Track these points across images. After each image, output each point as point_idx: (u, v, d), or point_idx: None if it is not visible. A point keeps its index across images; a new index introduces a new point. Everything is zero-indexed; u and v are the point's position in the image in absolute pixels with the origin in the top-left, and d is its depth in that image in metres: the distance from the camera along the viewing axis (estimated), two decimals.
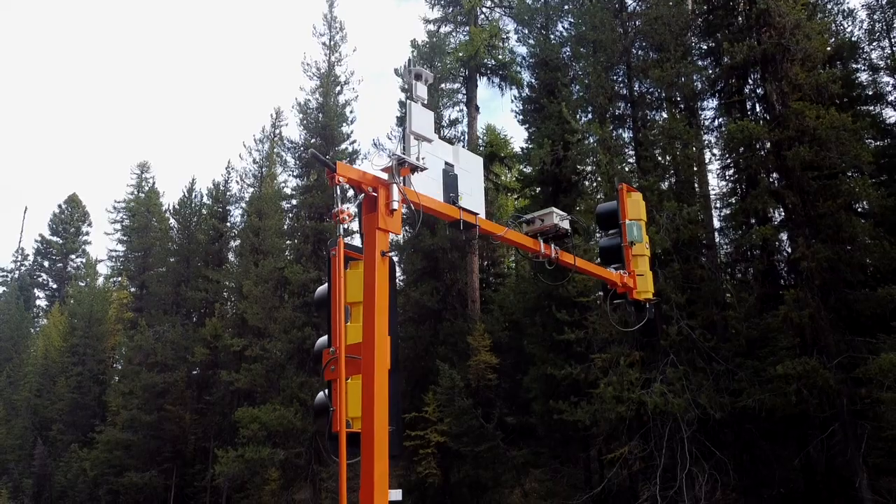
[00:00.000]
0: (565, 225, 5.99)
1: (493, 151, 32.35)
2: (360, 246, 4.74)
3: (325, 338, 4.75)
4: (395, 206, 4.62)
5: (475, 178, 5.39)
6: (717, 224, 19.97)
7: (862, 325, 15.31)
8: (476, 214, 5.35)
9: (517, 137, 44.71)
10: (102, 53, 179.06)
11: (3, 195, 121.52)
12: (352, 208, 4.57)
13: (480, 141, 32.61)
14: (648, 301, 6.86)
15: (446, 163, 5.23)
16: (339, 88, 29.35)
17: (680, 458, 15.23)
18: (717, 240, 19.50)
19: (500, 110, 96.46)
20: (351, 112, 33.27)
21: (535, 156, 18.48)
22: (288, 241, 29.25)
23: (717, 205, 19.93)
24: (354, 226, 4.88)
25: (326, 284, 4.83)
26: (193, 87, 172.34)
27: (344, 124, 28.98)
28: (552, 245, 6.12)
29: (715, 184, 20.56)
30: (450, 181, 5.15)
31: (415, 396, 23.69)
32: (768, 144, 16.10)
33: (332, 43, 30.42)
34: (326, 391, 4.58)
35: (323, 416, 4.65)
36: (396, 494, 4.33)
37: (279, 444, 23.55)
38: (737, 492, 18.81)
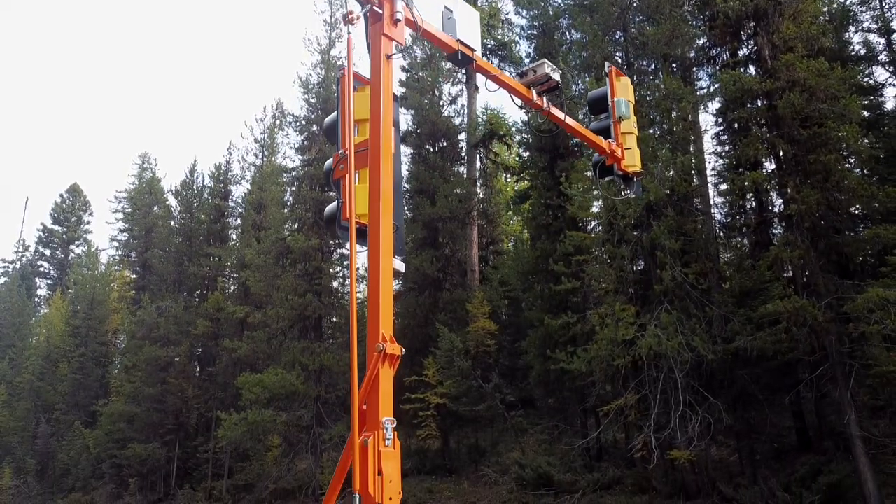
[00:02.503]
0: (556, 77, 6.34)
1: (492, 129, 32.73)
2: (367, 77, 5.12)
3: (331, 161, 5.15)
4: (399, 16, 4.99)
5: (473, 29, 5.74)
6: (711, 187, 20.46)
7: (851, 272, 15.74)
8: (474, 50, 5.71)
9: (516, 119, 44.89)
10: (102, 42, 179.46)
11: (5, 188, 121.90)
12: (359, 12, 4.93)
13: (480, 119, 32.99)
14: (636, 174, 7.22)
15: (446, 7, 5.61)
16: (339, 64, 29.74)
17: (674, 403, 15.60)
18: (711, 200, 19.92)
19: (499, 94, 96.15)
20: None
21: (533, 113, 18.85)
22: (290, 217, 29.60)
23: (713, 177, 20.46)
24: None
25: (335, 113, 5.22)
26: (194, 71, 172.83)
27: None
28: (544, 98, 6.48)
29: (710, 145, 20.94)
30: (449, 24, 5.52)
31: (415, 362, 24.10)
32: (759, 103, 16.52)
33: (333, 20, 30.80)
34: (337, 196, 4.95)
35: (332, 223, 5.02)
36: (400, 265, 4.70)
37: (282, 407, 23.93)
38: (729, 447, 19.23)
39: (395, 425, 4.24)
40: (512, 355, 26.06)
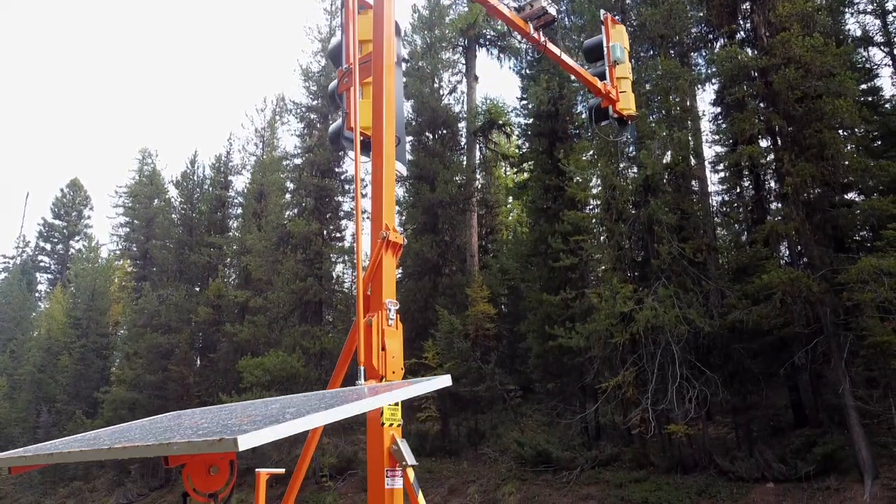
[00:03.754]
0: (552, 11, 6.50)
1: (491, 119, 32.99)
2: (369, 2, 5.30)
3: (335, 82, 5.34)
4: None
5: None
6: (708, 169, 20.68)
7: (845, 247, 15.95)
8: None
9: (516, 106, 45.12)
10: (101, 36, 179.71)
11: (5, 184, 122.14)
12: None
13: (479, 109, 33.23)
14: (631, 117, 7.40)
15: None
16: None
17: (671, 377, 15.78)
18: (708, 184, 20.14)
19: (499, 83, 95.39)
20: None
21: (532, 93, 19.05)
22: (290, 204, 29.81)
23: (712, 161, 20.68)
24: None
25: (339, 36, 5.40)
26: (194, 63, 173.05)
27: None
28: (541, 32, 6.64)
29: (708, 127, 21.13)
30: None
31: (415, 346, 24.29)
32: (755, 81, 16.73)
33: (333, 8, 31.02)
34: (341, 108, 5.13)
35: (337, 137, 5.21)
36: (402, 167, 4.88)
37: (282, 390, 24.10)
38: (727, 426, 19.41)
39: (397, 307, 4.44)
40: (511, 343, 26.26)
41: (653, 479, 16.98)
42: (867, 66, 19.78)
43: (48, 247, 70.26)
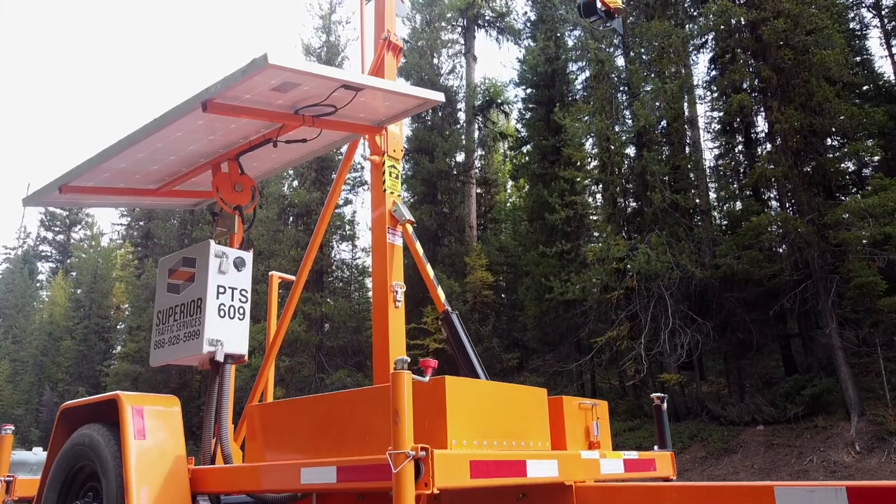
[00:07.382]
0: None
1: (490, 98, 33.39)
2: None
3: None
4: None
5: None
6: (702, 132, 21.10)
7: (832, 195, 16.38)
8: None
9: (514, 79, 45.45)
10: (99, 24, 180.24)
11: (5, 177, 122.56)
12: None
13: (478, 89, 33.61)
14: (618, 11, 7.82)
15: None
16: (340, 28, 30.41)
17: (664, 324, 16.19)
18: (702, 145, 20.56)
19: (498, 67, 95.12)
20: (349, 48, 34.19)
21: (529, 54, 19.46)
22: (293, 171, 30.19)
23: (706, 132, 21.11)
24: None
25: None
26: (194, 43, 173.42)
27: (346, 62, 30.26)
28: None
29: (703, 95, 21.53)
30: None
31: (414, 312, 24.68)
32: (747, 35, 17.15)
33: None
34: None
35: None
36: None
37: (285, 354, 24.52)
38: (719, 384, 19.83)
39: None
40: (510, 319, 26.66)
41: (646, 427, 17.38)
42: (857, 26, 20.18)
43: (49, 236, 70.64)
